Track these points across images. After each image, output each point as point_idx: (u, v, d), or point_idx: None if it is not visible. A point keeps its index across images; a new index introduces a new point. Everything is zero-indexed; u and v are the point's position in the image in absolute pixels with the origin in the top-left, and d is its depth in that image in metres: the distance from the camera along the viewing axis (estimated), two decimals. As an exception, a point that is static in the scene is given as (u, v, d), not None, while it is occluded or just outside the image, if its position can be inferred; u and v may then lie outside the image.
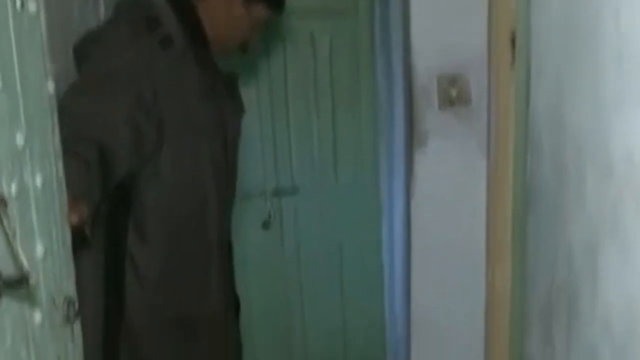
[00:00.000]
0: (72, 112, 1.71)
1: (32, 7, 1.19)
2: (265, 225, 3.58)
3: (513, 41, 2.12)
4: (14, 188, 1.10)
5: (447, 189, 2.69)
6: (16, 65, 1.12)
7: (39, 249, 1.19)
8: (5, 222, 1.02)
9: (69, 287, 1.37)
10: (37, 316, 1.19)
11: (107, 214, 2.08)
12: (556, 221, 1.60)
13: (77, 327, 1.40)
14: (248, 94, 2.70)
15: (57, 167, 1.30)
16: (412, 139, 2.68)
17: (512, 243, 2.15)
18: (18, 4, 1.13)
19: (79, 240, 1.43)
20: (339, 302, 3.71)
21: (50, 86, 1.27)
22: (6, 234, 1.03)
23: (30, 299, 1.15)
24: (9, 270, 1.04)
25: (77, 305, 1.38)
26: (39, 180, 1.20)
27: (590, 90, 1.35)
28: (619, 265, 1.22)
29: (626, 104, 1.17)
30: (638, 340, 1.15)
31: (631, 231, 1.16)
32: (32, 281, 1.07)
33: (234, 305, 2.48)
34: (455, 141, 2.65)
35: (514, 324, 2.14)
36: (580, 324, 1.45)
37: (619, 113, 1.20)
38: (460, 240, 2.69)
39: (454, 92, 2.60)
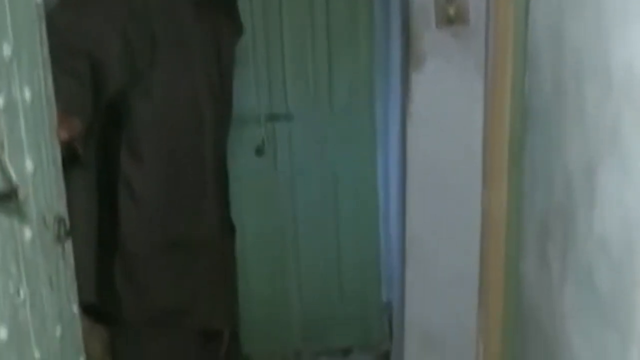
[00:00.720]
0: (62, 26, 1.68)
1: None
2: (259, 151, 3.54)
3: (513, -43, 2.07)
4: (1, 101, 1.08)
5: (444, 110, 2.65)
6: (1, -27, 1.09)
7: (29, 164, 1.18)
8: (-8, 135, 1.01)
9: (60, 206, 1.36)
10: (27, 233, 1.18)
11: (100, 133, 2.05)
12: (554, 141, 1.59)
13: (69, 246, 1.40)
14: (241, 16, 2.64)
15: (46, 81, 1.28)
16: (409, 60, 2.64)
17: (509, 165, 2.14)
18: None
19: (71, 158, 1.42)
20: (333, 230, 3.70)
21: (38, -4, 1.25)
22: (-6, 148, 1.01)
23: (20, 214, 1.13)
24: (-3, 184, 1.03)
25: (68, 224, 1.37)
26: (27, 94, 1.18)
27: (592, 5, 1.33)
28: (618, 181, 1.22)
29: (628, 18, 1.15)
30: (634, 256, 1.15)
31: (630, 145, 1.15)
32: (21, 195, 1.07)
33: (229, 231, 2.48)
34: (452, 62, 2.60)
35: (509, 246, 2.15)
36: (577, 243, 1.45)
37: (621, 27, 1.19)
38: (457, 162, 2.67)
39: (451, 11, 2.54)
